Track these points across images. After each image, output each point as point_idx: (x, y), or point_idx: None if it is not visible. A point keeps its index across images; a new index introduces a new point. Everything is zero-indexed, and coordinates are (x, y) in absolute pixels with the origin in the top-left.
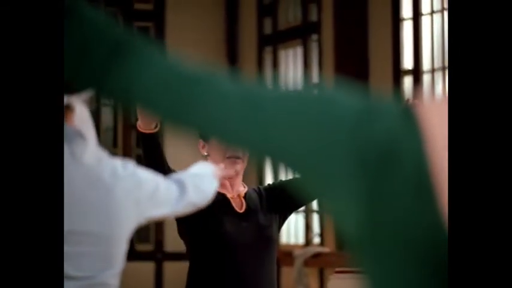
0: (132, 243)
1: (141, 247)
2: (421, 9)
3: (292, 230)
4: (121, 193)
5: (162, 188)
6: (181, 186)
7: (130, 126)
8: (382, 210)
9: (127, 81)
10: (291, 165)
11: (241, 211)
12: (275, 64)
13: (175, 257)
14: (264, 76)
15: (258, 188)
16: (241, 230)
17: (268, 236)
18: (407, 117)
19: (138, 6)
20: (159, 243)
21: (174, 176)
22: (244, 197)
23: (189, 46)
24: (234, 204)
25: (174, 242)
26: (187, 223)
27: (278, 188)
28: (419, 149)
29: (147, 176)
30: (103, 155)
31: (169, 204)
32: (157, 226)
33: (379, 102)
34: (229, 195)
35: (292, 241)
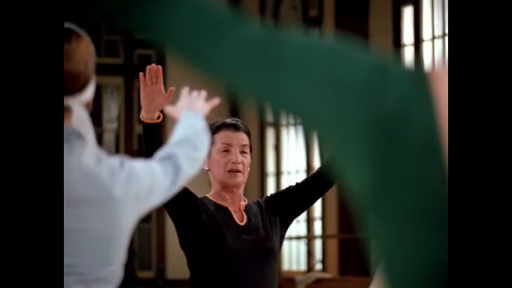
0: (134, 270)
1: (143, 274)
2: (422, 35)
3: (294, 256)
4: (120, 192)
5: (159, 178)
6: (176, 164)
7: (132, 152)
8: (391, 169)
9: (154, 17)
10: (300, 117)
11: (242, 224)
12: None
13: (177, 284)
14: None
15: (258, 201)
16: (243, 242)
17: (269, 249)
18: (419, 80)
19: (140, 35)
20: (161, 270)
21: (166, 151)
22: (245, 210)
23: (190, 77)
24: (235, 217)
25: (175, 269)
26: (189, 235)
27: (277, 196)
28: (430, 111)
29: (144, 169)
30: (102, 155)
31: (166, 189)
32: (159, 253)
33: (391, 63)
34: (230, 209)
35: (294, 268)
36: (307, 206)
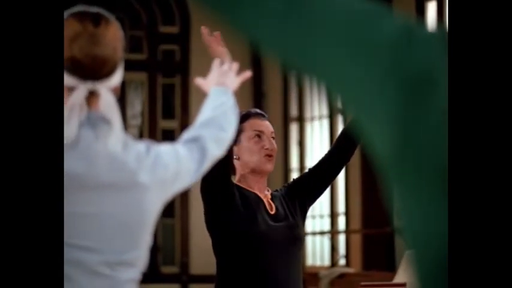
0: (157, 265)
1: (167, 269)
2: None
3: (318, 251)
4: (146, 178)
5: (185, 162)
6: (202, 147)
7: None
8: (413, 132)
9: None
10: (324, 76)
11: (272, 212)
12: (300, 86)
13: (201, 279)
14: (288, 100)
15: (277, 190)
16: (274, 230)
17: (297, 237)
18: (445, 46)
19: (164, 29)
20: (185, 265)
21: (193, 133)
22: (272, 199)
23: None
24: (266, 205)
25: (199, 264)
26: (222, 218)
27: (294, 183)
28: None
29: (170, 154)
30: (128, 140)
31: (193, 173)
32: (183, 249)
33: (418, 28)
34: (260, 195)
35: (318, 263)
36: (323, 186)
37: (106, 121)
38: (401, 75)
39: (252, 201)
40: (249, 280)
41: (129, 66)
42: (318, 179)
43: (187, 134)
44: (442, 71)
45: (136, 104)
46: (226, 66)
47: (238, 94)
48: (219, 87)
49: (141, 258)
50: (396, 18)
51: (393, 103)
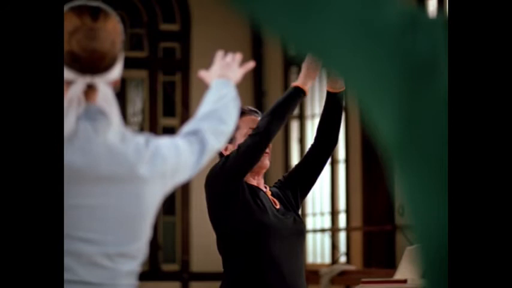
0: (158, 263)
1: (167, 267)
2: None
3: (319, 249)
4: (145, 170)
5: (184, 155)
6: (202, 140)
7: None
8: (418, 119)
9: None
10: (328, 59)
11: (277, 207)
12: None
13: (202, 277)
14: None
15: (272, 187)
16: (281, 223)
17: (302, 230)
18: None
19: (164, 27)
20: (185, 263)
21: (193, 125)
22: (272, 195)
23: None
24: (270, 199)
25: (200, 262)
26: (232, 211)
27: (284, 178)
28: None
29: (170, 147)
30: (127, 133)
31: (192, 166)
32: (183, 246)
33: (423, 14)
34: (265, 191)
35: (319, 260)
36: (312, 179)
37: (104, 114)
38: (405, 60)
39: (260, 195)
40: (261, 274)
41: (130, 64)
42: (306, 172)
43: (187, 127)
44: (445, 57)
45: (137, 102)
46: (229, 58)
47: (239, 93)
48: (221, 80)
49: (140, 250)
50: (400, 4)
51: (397, 88)
